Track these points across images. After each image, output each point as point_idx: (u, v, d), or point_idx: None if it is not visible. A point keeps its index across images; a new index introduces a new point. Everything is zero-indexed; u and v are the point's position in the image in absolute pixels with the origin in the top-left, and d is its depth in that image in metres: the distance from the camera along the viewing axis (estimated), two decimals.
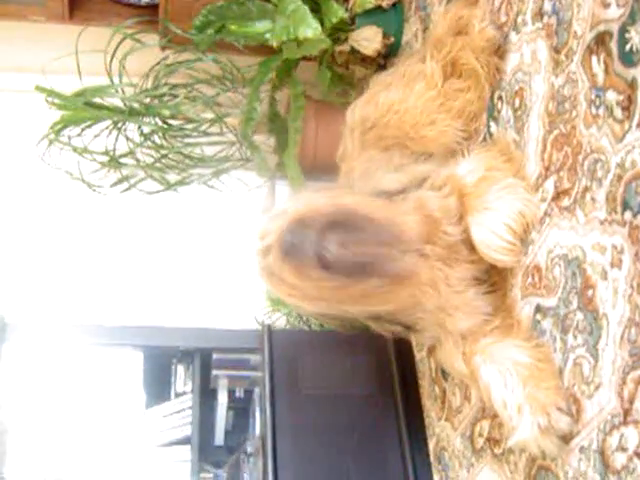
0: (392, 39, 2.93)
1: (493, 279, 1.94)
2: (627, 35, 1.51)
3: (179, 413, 2.81)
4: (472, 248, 1.85)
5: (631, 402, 1.46)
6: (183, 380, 2.88)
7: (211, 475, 2.87)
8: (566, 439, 1.67)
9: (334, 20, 2.79)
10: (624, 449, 1.48)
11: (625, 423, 1.48)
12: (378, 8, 2.92)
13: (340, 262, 1.68)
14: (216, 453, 2.91)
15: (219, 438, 2.90)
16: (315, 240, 1.67)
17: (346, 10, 2.88)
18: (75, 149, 3.09)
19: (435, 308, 1.83)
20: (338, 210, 1.73)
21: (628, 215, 1.49)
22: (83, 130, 3.08)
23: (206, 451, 2.84)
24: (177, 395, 2.87)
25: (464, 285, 1.84)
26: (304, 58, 2.95)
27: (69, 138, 3.09)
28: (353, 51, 2.95)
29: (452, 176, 1.91)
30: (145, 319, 2.99)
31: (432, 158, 2.04)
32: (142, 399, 2.88)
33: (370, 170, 2.03)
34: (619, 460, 1.49)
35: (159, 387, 2.91)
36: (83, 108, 3.02)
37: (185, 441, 2.77)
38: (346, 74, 3.05)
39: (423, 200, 1.84)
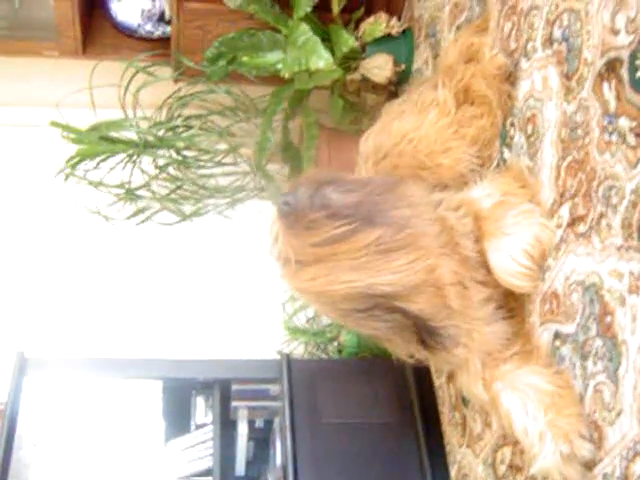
0: (403, 66, 2.94)
1: (510, 305, 1.94)
2: (637, 62, 1.51)
3: (200, 445, 2.81)
4: (486, 270, 1.84)
5: None
6: (203, 411, 2.88)
7: None
8: (589, 466, 1.66)
9: (345, 49, 2.80)
10: None
11: None
12: (388, 36, 2.95)
13: (341, 208, 1.65)
14: None
15: (240, 469, 2.89)
16: (311, 192, 1.65)
17: (356, 39, 2.90)
18: (91, 183, 3.12)
19: (460, 317, 1.79)
20: (333, 173, 1.71)
21: None
22: (98, 164, 3.11)
23: None
24: (197, 427, 2.87)
25: (480, 303, 1.84)
26: (316, 87, 2.97)
27: (85, 172, 3.12)
28: (364, 79, 2.97)
29: (467, 199, 1.91)
30: (164, 351, 3.00)
31: (447, 189, 2.04)
32: (162, 431, 2.89)
33: None
34: None
35: (179, 419, 2.91)
36: (98, 142, 3.05)
37: (206, 473, 2.76)
38: (358, 102, 3.06)
39: (440, 214, 1.83)
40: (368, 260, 1.67)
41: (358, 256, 1.67)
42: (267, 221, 1.76)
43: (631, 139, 1.54)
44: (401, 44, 2.97)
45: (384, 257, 1.68)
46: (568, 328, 1.76)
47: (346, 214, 1.66)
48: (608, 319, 1.61)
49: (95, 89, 2.98)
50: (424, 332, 1.78)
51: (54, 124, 3.02)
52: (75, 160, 3.09)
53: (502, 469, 2.11)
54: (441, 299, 1.74)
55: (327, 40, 2.84)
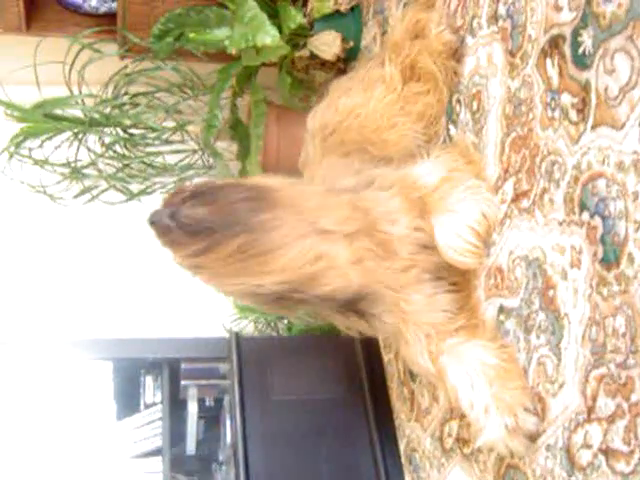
0: (351, 43, 2.93)
1: (454, 279, 1.95)
2: (580, 39, 1.53)
3: (150, 424, 2.81)
4: (417, 248, 1.85)
5: (594, 400, 1.48)
6: (152, 391, 2.87)
7: None
8: (533, 438, 1.69)
9: (292, 26, 2.78)
10: (589, 446, 1.50)
11: (589, 420, 1.50)
12: (336, 13, 2.92)
13: (198, 223, 1.65)
14: (188, 463, 2.90)
15: (190, 448, 2.90)
16: (171, 211, 1.66)
17: (304, 15, 2.87)
18: (36, 161, 3.07)
19: (378, 286, 1.80)
20: (202, 184, 1.71)
21: (585, 216, 1.51)
22: (43, 142, 3.06)
23: (178, 461, 2.83)
24: (147, 406, 2.86)
25: (404, 267, 1.84)
26: (264, 64, 2.95)
27: (29, 150, 3.06)
28: (313, 56, 2.95)
29: (401, 177, 1.91)
30: (113, 331, 2.98)
31: (391, 162, 2.05)
32: (113, 411, 2.87)
33: (330, 176, 2.03)
34: (585, 457, 1.52)
35: (129, 399, 2.90)
36: (43, 120, 3.00)
37: (156, 452, 2.77)
38: (306, 79, 3.05)
39: (360, 199, 1.84)
40: (241, 266, 1.69)
41: (228, 264, 1.69)
42: None
43: (573, 115, 1.56)
44: (349, 21, 2.95)
45: (256, 261, 1.69)
46: (512, 302, 1.78)
47: (204, 228, 1.66)
48: (550, 293, 1.63)
49: (39, 66, 2.91)
50: (345, 307, 1.81)
51: None
52: (19, 139, 3.03)
53: (449, 442, 2.14)
54: (345, 278, 1.75)
55: (275, 17, 2.81)
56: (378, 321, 1.87)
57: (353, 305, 1.81)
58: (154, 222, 1.69)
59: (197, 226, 1.66)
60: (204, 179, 1.67)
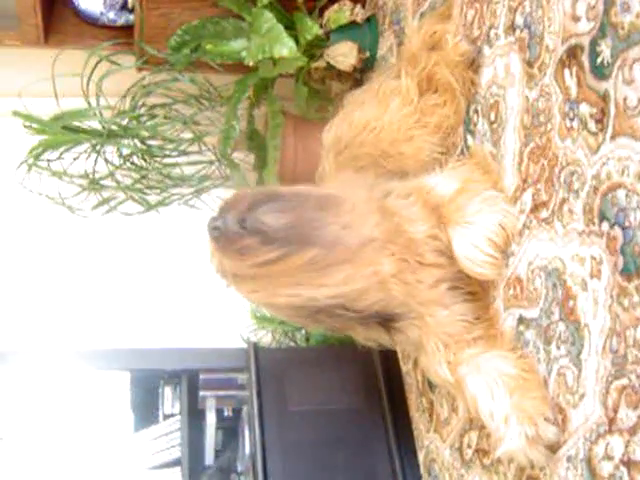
0: (367, 54, 2.94)
1: (472, 288, 1.95)
2: (598, 48, 1.53)
3: (168, 435, 2.81)
4: (437, 254, 1.86)
5: (615, 411, 1.47)
6: (171, 402, 2.87)
7: None
8: (553, 449, 1.68)
9: (309, 37, 2.80)
10: (610, 457, 1.49)
11: (610, 432, 1.49)
12: (352, 23, 2.93)
13: (274, 231, 1.65)
14: (206, 474, 2.90)
15: (209, 458, 2.89)
16: (240, 216, 1.66)
17: (320, 26, 2.89)
18: (54, 173, 3.09)
19: (410, 301, 1.81)
20: (266, 190, 1.71)
21: (605, 226, 1.51)
22: (62, 154, 3.08)
23: (196, 472, 2.83)
24: (165, 417, 2.87)
25: (432, 285, 1.84)
26: (281, 75, 2.96)
27: (48, 162, 3.08)
28: (329, 67, 2.96)
29: (419, 186, 1.92)
30: (131, 342, 2.99)
31: (406, 177, 2.05)
32: (130, 422, 2.88)
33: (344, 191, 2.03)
34: (606, 469, 1.51)
35: (147, 410, 2.90)
36: (61, 132, 3.02)
37: (175, 463, 2.77)
38: (323, 90, 3.06)
39: (386, 204, 1.85)
40: (304, 277, 1.70)
41: (294, 275, 1.70)
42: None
43: (592, 125, 1.55)
44: (365, 31, 2.96)
45: (320, 274, 1.70)
46: (532, 313, 1.78)
47: (278, 237, 1.66)
48: (570, 303, 1.63)
49: (58, 78, 2.94)
50: (375, 320, 1.82)
51: (16, 114, 2.98)
52: (38, 150, 3.05)
53: (469, 453, 2.13)
54: (386, 292, 1.76)
55: (291, 28, 2.83)
56: (400, 333, 1.87)
57: (380, 318, 1.81)
58: (218, 228, 1.67)
59: (274, 234, 1.65)
60: (257, 188, 1.66)
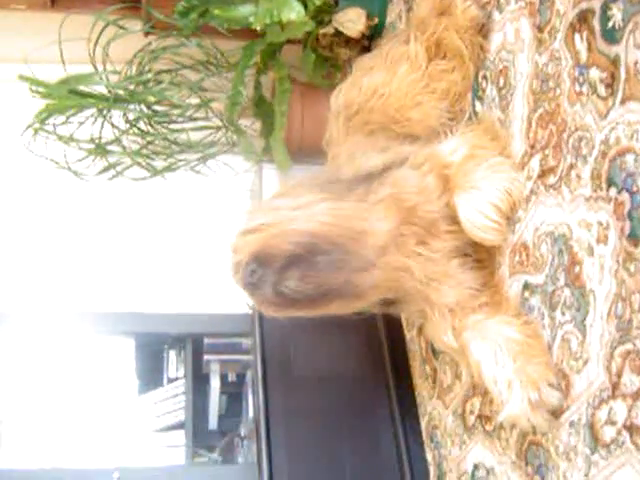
0: (376, 20, 2.92)
1: (480, 255, 1.95)
2: (609, 12, 1.51)
3: (172, 399, 2.83)
4: (451, 221, 1.86)
5: (619, 376, 1.48)
6: (175, 366, 2.89)
7: (205, 459, 2.89)
8: (556, 414, 1.69)
9: (317, 2, 2.78)
10: (613, 423, 1.50)
11: (614, 397, 1.50)
12: None
13: (298, 295, 1.73)
14: (210, 437, 2.92)
15: (212, 422, 2.92)
16: (271, 279, 1.72)
17: None
18: (60, 137, 3.08)
19: (417, 283, 1.84)
20: (298, 244, 1.73)
21: (613, 191, 1.50)
22: (68, 118, 3.07)
23: (200, 435, 2.86)
24: (170, 381, 2.89)
25: (445, 257, 1.86)
26: (288, 41, 2.94)
27: (54, 127, 3.08)
28: (337, 33, 2.94)
29: (432, 154, 1.92)
30: (136, 306, 3.00)
31: (417, 141, 2.04)
32: (135, 385, 2.90)
33: (356, 154, 2.03)
34: (608, 434, 1.51)
35: (152, 373, 2.92)
36: (67, 96, 3.01)
37: (179, 426, 2.79)
38: (331, 56, 3.04)
39: (399, 183, 1.85)
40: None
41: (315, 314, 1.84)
42: (232, 237, 1.83)
43: (602, 90, 1.54)
44: None
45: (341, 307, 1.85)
46: (537, 279, 1.78)
47: (305, 297, 1.74)
48: (576, 269, 1.63)
49: (64, 43, 2.92)
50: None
51: (22, 78, 2.97)
52: (44, 115, 3.04)
53: (471, 419, 2.14)
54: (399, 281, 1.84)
55: None
56: (406, 307, 1.95)
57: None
58: (254, 285, 1.73)
59: (299, 296, 1.73)
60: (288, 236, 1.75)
